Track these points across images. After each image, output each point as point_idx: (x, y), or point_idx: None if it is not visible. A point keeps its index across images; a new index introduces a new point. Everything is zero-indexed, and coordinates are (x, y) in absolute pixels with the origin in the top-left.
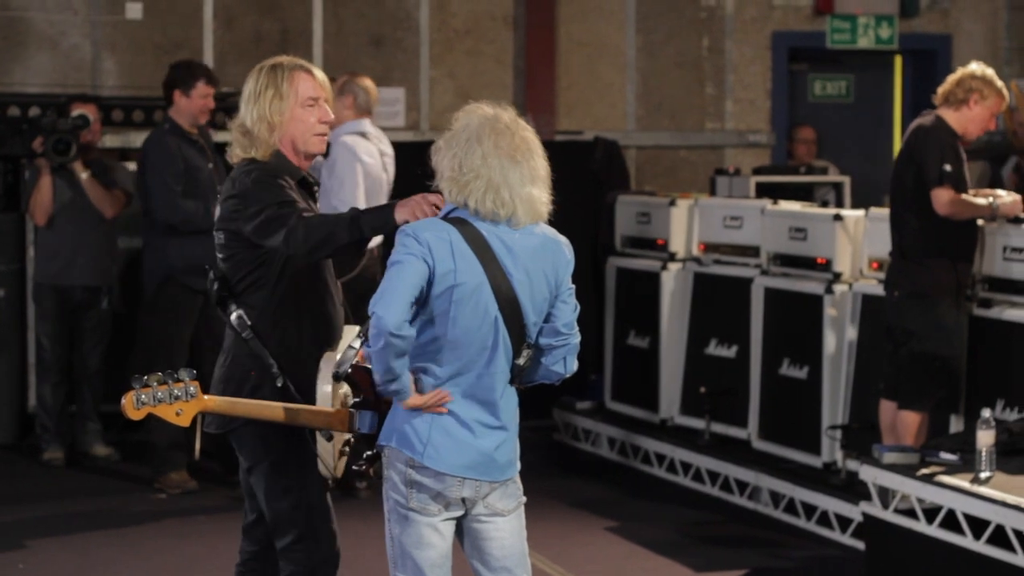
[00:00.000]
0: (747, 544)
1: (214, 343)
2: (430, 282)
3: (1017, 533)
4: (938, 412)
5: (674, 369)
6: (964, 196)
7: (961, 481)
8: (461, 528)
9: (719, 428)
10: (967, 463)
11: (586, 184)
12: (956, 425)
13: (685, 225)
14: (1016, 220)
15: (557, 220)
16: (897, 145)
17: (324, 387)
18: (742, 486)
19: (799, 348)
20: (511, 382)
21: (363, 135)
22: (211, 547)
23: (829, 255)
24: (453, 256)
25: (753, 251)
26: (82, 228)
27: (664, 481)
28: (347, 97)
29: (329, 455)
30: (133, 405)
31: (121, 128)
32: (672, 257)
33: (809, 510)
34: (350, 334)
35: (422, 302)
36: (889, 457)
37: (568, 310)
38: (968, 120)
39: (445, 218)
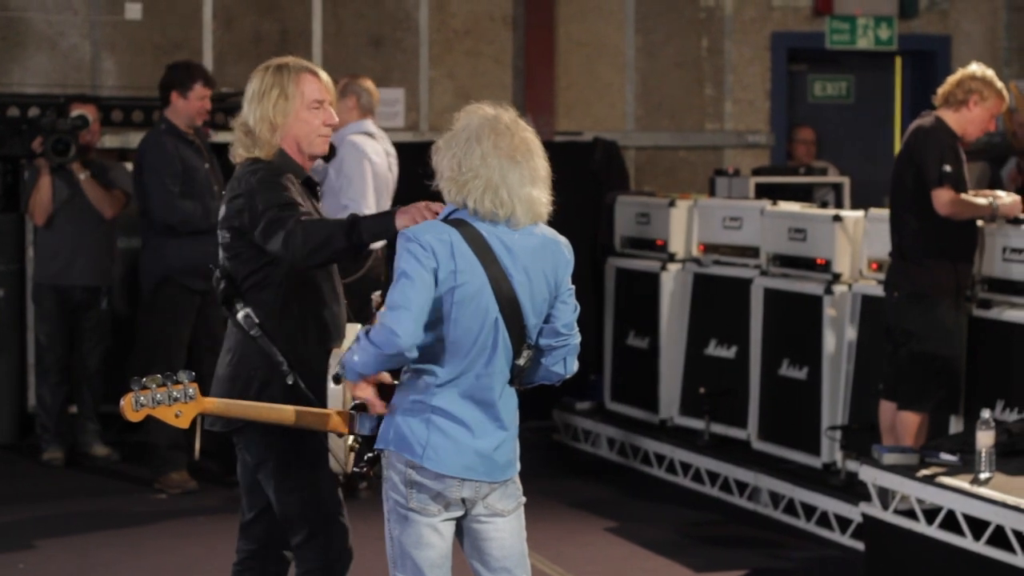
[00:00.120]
0: (747, 545)
1: (212, 343)
2: (434, 284)
3: (1017, 534)
4: (938, 413)
5: (674, 370)
6: (964, 196)
7: (961, 482)
8: (461, 528)
9: (719, 429)
10: (967, 464)
11: (585, 184)
12: (956, 426)
13: (684, 226)
14: (1016, 221)
15: (556, 220)
16: (897, 146)
17: (334, 384)
18: (742, 487)
19: (799, 349)
20: (511, 382)
21: (369, 135)
22: (211, 547)
23: (828, 256)
24: (454, 258)
25: (752, 252)
26: (81, 228)
27: (664, 482)
28: (350, 98)
29: (341, 450)
30: (132, 407)
31: (120, 128)
32: (671, 258)
33: (809, 511)
34: (353, 333)
35: None
36: (889, 458)
37: (568, 311)
38: (968, 121)
39: (445, 220)
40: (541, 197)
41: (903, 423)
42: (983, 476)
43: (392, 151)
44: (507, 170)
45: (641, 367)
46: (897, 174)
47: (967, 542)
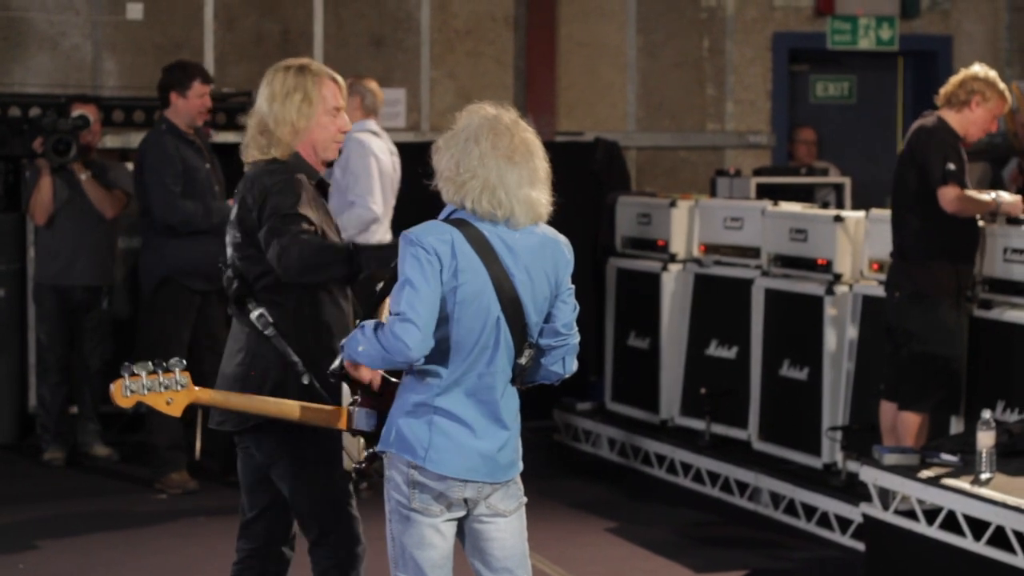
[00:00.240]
0: (747, 545)
1: (212, 343)
2: None
3: (1017, 534)
4: (938, 413)
5: (674, 370)
6: (970, 192)
7: (961, 482)
8: (462, 528)
9: (719, 429)
10: (967, 464)
11: (586, 185)
12: (956, 426)
13: (685, 226)
14: (1016, 221)
15: (557, 221)
16: (898, 146)
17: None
18: (742, 487)
19: (799, 349)
20: (512, 382)
21: (374, 133)
22: (211, 548)
23: (829, 256)
24: (455, 258)
25: (753, 252)
26: (82, 228)
27: (664, 482)
28: (355, 98)
29: (354, 448)
30: (122, 393)
31: (122, 129)
32: (672, 258)
33: (809, 511)
34: None
35: None
36: (889, 458)
37: (567, 310)
38: (969, 122)
39: (447, 219)
40: (541, 198)
41: (904, 423)
42: (984, 477)
43: (395, 150)
44: (505, 171)
45: (642, 367)
46: (899, 174)
47: (967, 543)
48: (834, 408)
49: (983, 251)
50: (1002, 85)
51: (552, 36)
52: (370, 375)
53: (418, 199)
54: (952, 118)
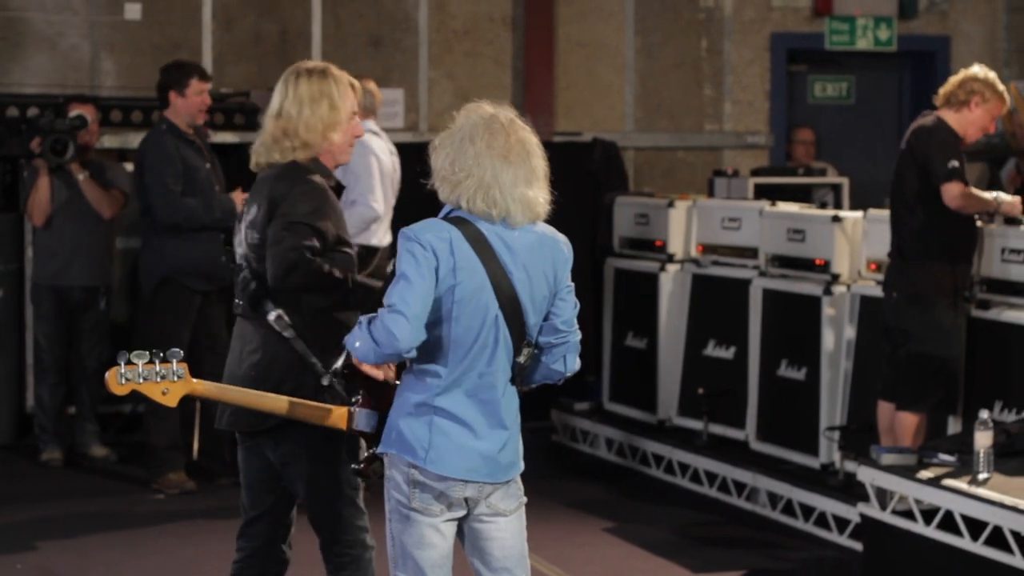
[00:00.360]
0: (745, 545)
1: (212, 343)
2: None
3: (1015, 534)
4: (936, 413)
5: (672, 370)
6: (973, 190)
7: (959, 482)
8: (462, 528)
9: (717, 429)
10: (965, 464)
11: (584, 185)
12: (954, 426)
13: (683, 226)
14: (1014, 221)
15: (555, 221)
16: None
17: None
18: (740, 487)
19: (797, 349)
20: (512, 381)
21: (374, 133)
22: (209, 548)
23: (827, 256)
24: (453, 255)
25: (751, 252)
26: (80, 229)
27: (662, 482)
28: None
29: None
30: (116, 380)
31: (120, 129)
32: (670, 258)
33: (807, 511)
34: None
35: None
36: (887, 458)
37: (567, 307)
38: (968, 122)
39: (446, 217)
40: (538, 197)
41: (901, 423)
42: (981, 477)
43: (395, 150)
44: (500, 170)
45: (640, 368)
46: (898, 174)
47: (965, 543)
48: (832, 408)
49: (981, 251)
50: (1001, 86)
51: (550, 36)
52: (378, 370)
53: (417, 199)
54: (951, 118)
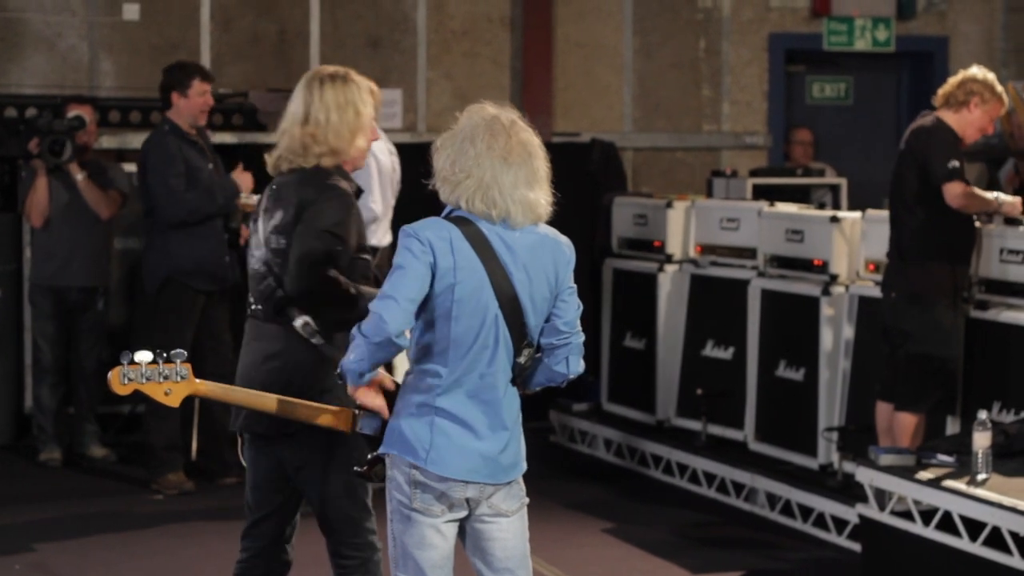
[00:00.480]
0: (743, 546)
1: (216, 344)
2: (432, 280)
3: (1013, 535)
4: (935, 414)
5: (671, 371)
6: (975, 189)
7: (957, 483)
8: (463, 528)
9: (716, 430)
10: (963, 465)
11: (583, 186)
12: (952, 427)
13: (682, 227)
14: (1013, 222)
15: (554, 221)
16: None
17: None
18: (738, 488)
19: (796, 350)
20: (513, 382)
21: None
22: (208, 548)
23: (826, 257)
24: (453, 254)
25: (750, 253)
26: (78, 229)
27: (661, 483)
28: None
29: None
30: (119, 380)
31: (118, 129)
32: (669, 259)
33: (805, 512)
34: None
35: (424, 302)
36: (885, 459)
37: (569, 309)
38: (967, 123)
39: (447, 217)
40: (539, 198)
41: (900, 424)
42: (980, 477)
43: (394, 150)
44: (499, 171)
45: (638, 368)
46: (897, 174)
47: (963, 543)
48: (830, 409)
49: (979, 252)
50: (1000, 88)
51: (549, 37)
52: (372, 399)
53: (418, 199)
54: (950, 118)
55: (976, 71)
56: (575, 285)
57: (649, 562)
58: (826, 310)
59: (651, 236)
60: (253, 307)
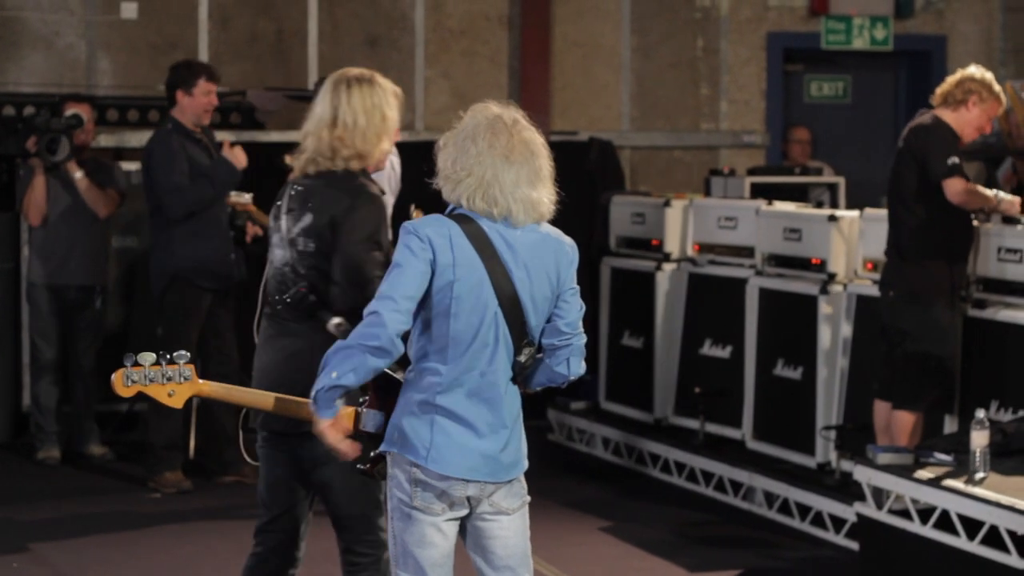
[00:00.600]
0: (741, 544)
1: (220, 343)
2: (431, 277)
3: (1011, 534)
4: (932, 413)
5: (668, 369)
6: (975, 186)
7: (955, 482)
8: (464, 526)
9: (713, 428)
10: (961, 464)
11: (581, 184)
12: (950, 426)
13: (680, 225)
14: (1011, 220)
15: (552, 220)
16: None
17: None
18: (736, 486)
19: (793, 348)
20: (513, 380)
21: None
22: (206, 547)
23: (824, 256)
24: (452, 250)
25: (748, 252)
26: (76, 228)
27: (658, 481)
28: None
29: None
30: (123, 382)
31: (116, 128)
32: (667, 257)
33: (803, 510)
34: None
35: (423, 300)
36: (883, 458)
37: (571, 309)
38: (965, 122)
39: (449, 215)
40: (542, 197)
41: (898, 423)
42: (977, 476)
43: (394, 149)
44: (500, 170)
45: (636, 367)
46: (896, 173)
47: (961, 542)
48: (828, 407)
49: (977, 250)
50: (998, 87)
51: (547, 36)
52: (337, 438)
53: (419, 199)
54: (948, 117)
55: (974, 70)
56: (578, 286)
57: (647, 560)
58: (824, 309)
59: (649, 235)
60: (277, 307)
